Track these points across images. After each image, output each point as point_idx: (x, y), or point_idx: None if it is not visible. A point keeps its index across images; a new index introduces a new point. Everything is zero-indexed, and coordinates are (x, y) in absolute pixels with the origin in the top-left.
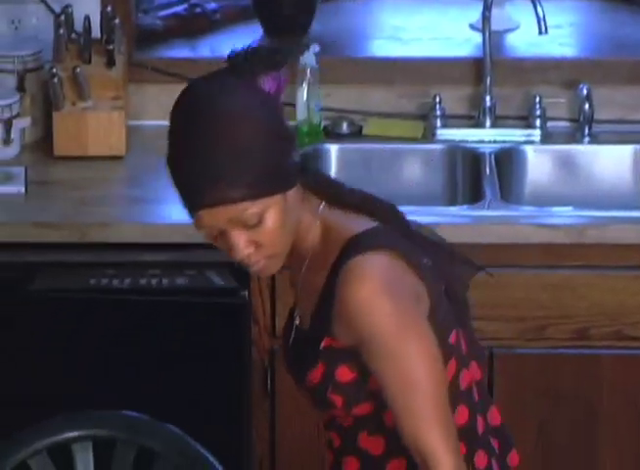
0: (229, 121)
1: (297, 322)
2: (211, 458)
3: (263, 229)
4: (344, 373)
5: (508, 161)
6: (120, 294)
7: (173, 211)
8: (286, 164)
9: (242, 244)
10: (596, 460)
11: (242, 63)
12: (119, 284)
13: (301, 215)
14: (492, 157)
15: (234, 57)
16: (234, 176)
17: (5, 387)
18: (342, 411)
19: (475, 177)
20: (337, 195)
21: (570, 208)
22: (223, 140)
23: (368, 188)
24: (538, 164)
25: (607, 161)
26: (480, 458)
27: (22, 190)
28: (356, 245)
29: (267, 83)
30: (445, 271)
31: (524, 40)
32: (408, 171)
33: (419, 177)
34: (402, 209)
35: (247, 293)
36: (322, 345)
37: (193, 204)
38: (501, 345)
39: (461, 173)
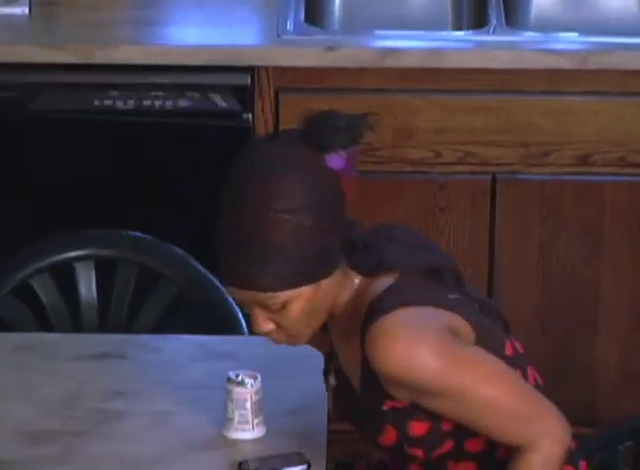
0: (276, 212)
1: (331, 383)
2: (214, 279)
3: (285, 315)
4: (417, 427)
5: None
6: (124, 115)
7: (179, 34)
8: (325, 256)
9: (262, 322)
10: (598, 283)
11: (316, 134)
12: (123, 105)
13: (340, 291)
14: None
15: (309, 123)
16: (266, 267)
17: (6, 208)
18: (425, 459)
19: (480, 2)
20: (371, 265)
21: (574, 33)
22: (265, 231)
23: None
24: None
25: None
26: None
27: (27, 10)
28: (376, 308)
29: (333, 160)
30: (475, 295)
31: None
32: None
33: (424, 1)
34: (407, 34)
35: (250, 116)
36: (385, 408)
37: (225, 276)
38: (504, 170)
39: None
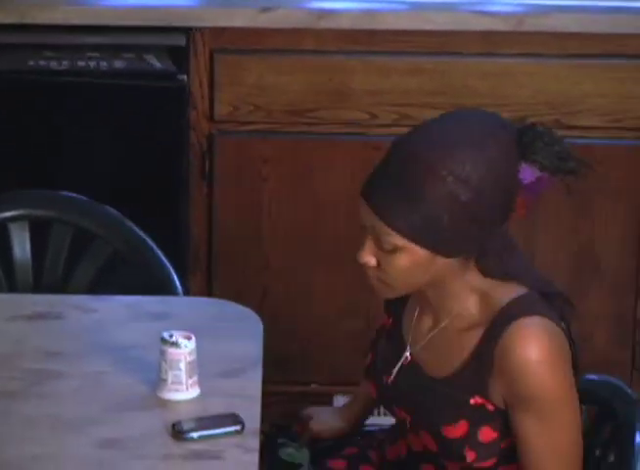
0: (443, 168)
1: (407, 358)
2: (149, 240)
3: (389, 260)
4: (487, 433)
5: None
6: (58, 76)
7: None
8: (456, 237)
9: (367, 251)
10: (534, 246)
11: (528, 141)
12: (57, 66)
13: (450, 279)
14: None
15: (527, 129)
16: (405, 207)
17: None
18: (466, 464)
19: None
20: (501, 272)
21: None
22: (425, 177)
23: None
24: None
25: None
26: None
27: None
28: (517, 308)
29: (526, 172)
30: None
31: None
32: None
33: None
34: None
35: (185, 77)
36: (471, 401)
37: (366, 191)
38: None
39: None
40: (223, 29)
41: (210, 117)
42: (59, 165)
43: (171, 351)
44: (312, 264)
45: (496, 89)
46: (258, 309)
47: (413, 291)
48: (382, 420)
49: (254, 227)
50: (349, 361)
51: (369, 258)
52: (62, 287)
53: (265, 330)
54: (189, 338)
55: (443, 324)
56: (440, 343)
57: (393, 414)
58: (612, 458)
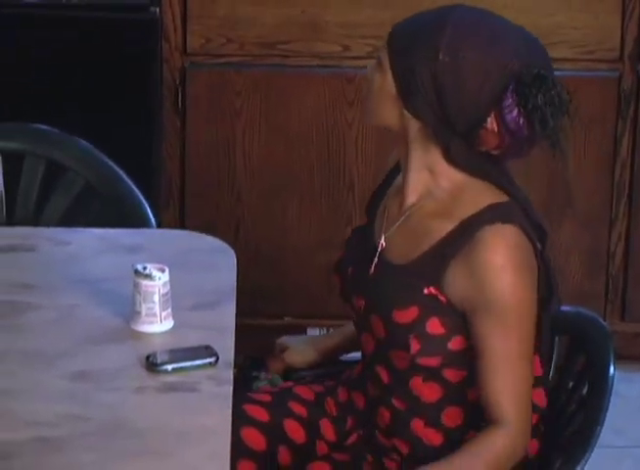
0: (455, 37)
1: (382, 244)
2: (121, 173)
3: (372, 75)
4: (435, 326)
5: None
6: (30, 8)
7: None
8: (417, 96)
9: (371, 66)
10: None
11: (522, 86)
12: None
13: (414, 150)
14: None
15: (542, 76)
16: (404, 42)
17: None
18: (408, 356)
19: None
20: (478, 171)
21: None
22: (434, 31)
23: None
24: None
25: None
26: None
27: None
28: (496, 212)
29: (509, 104)
30: (547, 257)
31: None
32: None
33: None
34: None
35: (157, 9)
36: (425, 291)
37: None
38: None
39: None
40: None
41: (183, 50)
42: (30, 99)
43: (145, 283)
44: (286, 197)
45: None
46: (232, 243)
47: (383, 125)
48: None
49: (227, 160)
50: (323, 294)
51: (370, 71)
52: (34, 220)
53: (239, 263)
54: (162, 270)
55: (411, 203)
56: (410, 226)
57: (353, 308)
58: (584, 390)
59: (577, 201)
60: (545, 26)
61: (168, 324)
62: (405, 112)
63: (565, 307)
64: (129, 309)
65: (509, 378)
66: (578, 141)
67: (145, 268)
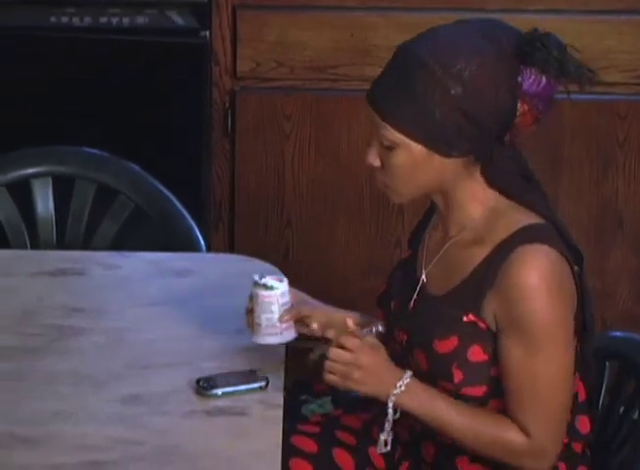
0: (435, 61)
1: (423, 280)
2: (171, 196)
3: (390, 158)
4: (477, 353)
5: None
6: (80, 32)
7: None
8: (450, 133)
9: (372, 155)
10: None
11: (526, 44)
12: (80, 23)
13: (460, 187)
14: None
15: (530, 35)
16: (398, 99)
17: None
18: (452, 387)
19: None
20: (515, 192)
21: None
22: (417, 71)
23: None
24: None
25: None
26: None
27: None
28: (530, 233)
29: (527, 77)
30: (584, 279)
31: None
32: None
33: None
34: None
35: (207, 33)
36: (464, 319)
37: (368, 92)
38: None
39: None
40: None
41: (233, 74)
42: (81, 123)
43: (263, 293)
44: (334, 222)
45: None
46: (281, 266)
47: (419, 195)
48: None
49: (276, 184)
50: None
51: (374, 159)
52: (84, 243)
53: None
54: (281, 280)
55: (452, 236)
56: (449, 258)
57: (396, 342)
58: (635, 415)
59: (627, 225)
60: (595, 51)
61: (289, 335)
62: (444, 159)
63: (614, 332)
64: (177, 333)
65: (537, 402)
66: (630, 165)
67: (262, 278)
